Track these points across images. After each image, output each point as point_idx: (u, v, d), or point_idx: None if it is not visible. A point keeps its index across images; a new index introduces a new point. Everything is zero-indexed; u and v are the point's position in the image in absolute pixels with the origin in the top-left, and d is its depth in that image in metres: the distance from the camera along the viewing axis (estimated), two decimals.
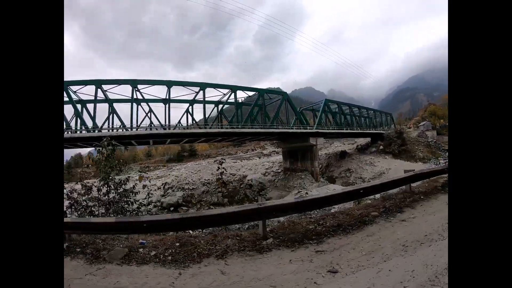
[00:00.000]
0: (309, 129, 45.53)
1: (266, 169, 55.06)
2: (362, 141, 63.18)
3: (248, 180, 48.24)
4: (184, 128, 40.07)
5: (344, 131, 51.73)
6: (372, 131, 58.29)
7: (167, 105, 38.20)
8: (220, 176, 31.28)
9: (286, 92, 46.62)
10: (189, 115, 41.44)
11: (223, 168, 25.82)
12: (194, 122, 42.24)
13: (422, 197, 9.63)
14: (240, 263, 5.54)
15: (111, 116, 34.77)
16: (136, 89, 34.84)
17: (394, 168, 44.95)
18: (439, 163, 49.45)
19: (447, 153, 53.99)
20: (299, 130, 44.22)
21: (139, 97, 35.64)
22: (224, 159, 35.55)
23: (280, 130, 43.11)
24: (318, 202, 7.72)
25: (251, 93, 44.45)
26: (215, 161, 54.88)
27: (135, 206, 12.92)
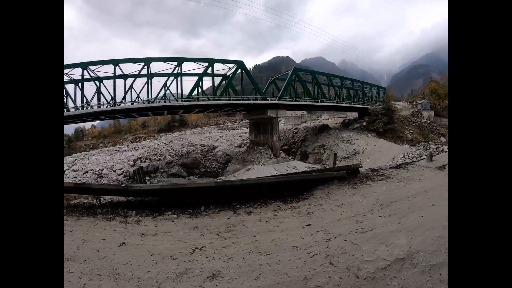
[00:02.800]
0: (270, 100, 40.39)
1: (243, 140, 52.58)
2: (352, 116, 55.84)
3: (216, 151, 47.02)
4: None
5: (311, 103, 44.80)
6: (352, 105, 50.87)
7: (150, 80, 37.68)
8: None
9: (241, 61, 40.67)
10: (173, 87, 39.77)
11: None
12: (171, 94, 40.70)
13: None
14: None
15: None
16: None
17: (372, 148, 39.71)
18: (429, 147, 44.21)
19: (441, 137, 48.20)
20: (251, 102, 39.17)
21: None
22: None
23: (230, 102, 38.94)
24: None
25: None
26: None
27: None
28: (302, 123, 62.20)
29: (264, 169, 33.12)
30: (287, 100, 41.26)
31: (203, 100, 38.33)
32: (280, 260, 3.70)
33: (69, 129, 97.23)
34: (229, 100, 38.99)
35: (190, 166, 42.40)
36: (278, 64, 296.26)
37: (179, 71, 38.01)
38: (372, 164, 32.30)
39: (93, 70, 35.70)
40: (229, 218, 5.59)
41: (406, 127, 49.24)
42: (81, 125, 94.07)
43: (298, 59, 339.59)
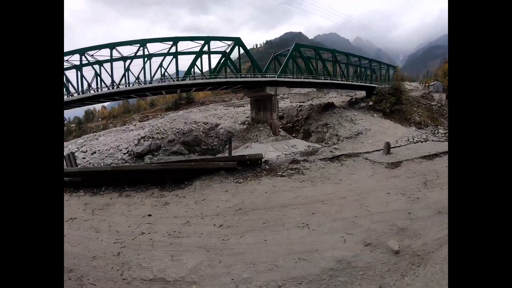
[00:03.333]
0: (270, 77, 38.85)
1: (247, 117, 52.21)
2: (360, 94, 53.87)
3: (219, 129, 47.12)
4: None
5: (312, 80, 42.87)
6: (357, 83, 48.51)
7: (149, 61, 38.13)
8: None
9: (239, 37, 38.93)
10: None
11: None
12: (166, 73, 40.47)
13: None
14: None
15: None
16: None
17: (376, 129, 38.14)
18: (438, 132, 42.36)
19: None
20: (248, 79, 37.91)
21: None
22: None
23: (227, 79, 38.15)
24: None
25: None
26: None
27: None
28: (308, 100, 60.51)
29: (262, 147, 32.86)
30: (286, 77, 39.66)
31: (200, 79, 37.94)
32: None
33: (79, 111, 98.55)
34: (226, 77, 38.06)
35: (191, 144, 42.68)
36: (290, 40, 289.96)
37: (175, 51, 37.46)
38: (374, 146, 31.12)
39: (92, 55, 36.25)
40: (111, 198, 5.69)
41: (415, 109, 46.91)
42: (91, 106, 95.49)
43: (310, 35, 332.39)
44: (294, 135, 44.36)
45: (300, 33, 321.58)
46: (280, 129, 39.00)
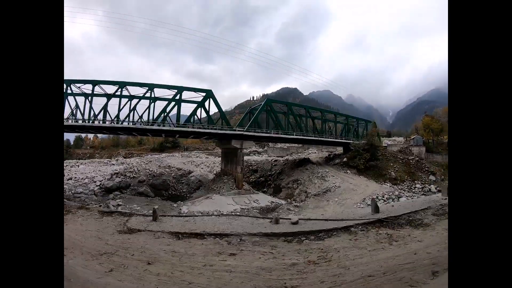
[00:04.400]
0: (238, 130, 38.35)
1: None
2: (339, 150, 53.17)
3: (190, 176, 47.65)
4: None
5: (278, 135, 41.88)
6: (330, 139, 47.74)
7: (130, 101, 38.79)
8: None
9: (210, 90, 38.98)
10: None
11: None
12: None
13: None
14: None
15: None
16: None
17: (346, 186, 36.54)
18: (414, 187, 40.93)
19: (430, 175, 44.87)
20: (213, 131, 37.08)
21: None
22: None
23: (194, 130, 37.83)
24: None
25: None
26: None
27: None
28: (287, 155, 59.66)
29: (222, 199, 32.08)
30: (253, 131, 38.88)
31: (169, 126, 37.75)
32: None
33: (71, 136, 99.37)
34: (193, 128, 37.69)
35: (159, 188, 42.15)
36: (285, 94, 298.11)
37: (150, 96, 38.06)
38: (339, 205, 29.62)
39: (79, 87, 37.58)
40: None
41: (392, 164, 45.81)
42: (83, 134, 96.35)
43: (306, 91, 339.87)
44: (265, 189, 42.94)
45: (295, 89, 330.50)
46: (244, 183, 37.62)
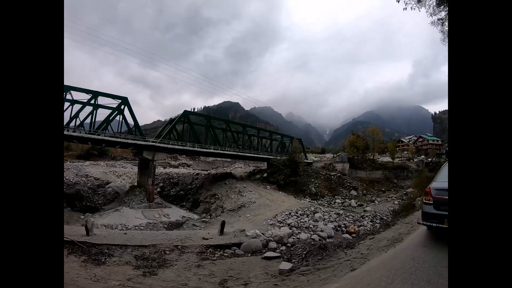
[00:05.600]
0: (152, 142, 36.96)
1: (155, 178, 47.04)
2: (264, 165, 53.11)
3: (107, 187, 44.27)
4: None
5: (193, 149, 41.36)
6: (247, 154, 47.92)
7: None
8: None
9: (126, 97, 36.93)
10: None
11: None
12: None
13: None
14: None
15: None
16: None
17: (262, 202, 36.04)
18: (335, 202, 41.63)
19: (352, 190, 46.29)
20: (123, 140, 35.30)
21: None
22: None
23: (104, 138, 35.63)
24: None
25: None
26: None
27: None
28: (212, 169, 58.59)
29: (131, 213, 30.54)
30: (169, 144, 37.65)
31: (79, 133, 35.07)
32: None
33: None
34: (105, 136, 35.59)
35: (72, 198, 38.36)
36: (227, 108, 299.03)
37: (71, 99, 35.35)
38: (249, 222, 28.85)
39: None
40: None
41: (313, 180, 46.82)
42: None
43: (247, 107, 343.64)
44: (184, 203, 41.41)
45: (237, 103, 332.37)
46: (156, 196, 36.40)
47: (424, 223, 6.64)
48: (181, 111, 40.11)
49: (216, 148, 42.53)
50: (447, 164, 8.28)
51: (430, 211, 6.41)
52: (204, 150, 41.82)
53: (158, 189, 45.88)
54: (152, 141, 36.16)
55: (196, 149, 40.61)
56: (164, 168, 64.71)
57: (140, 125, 38.47)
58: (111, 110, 35.21)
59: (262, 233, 19.98)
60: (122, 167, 62.60)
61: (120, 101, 35.90)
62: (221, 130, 44.76)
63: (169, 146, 37.61)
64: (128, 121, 37.18)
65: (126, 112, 36.16)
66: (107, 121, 35.25)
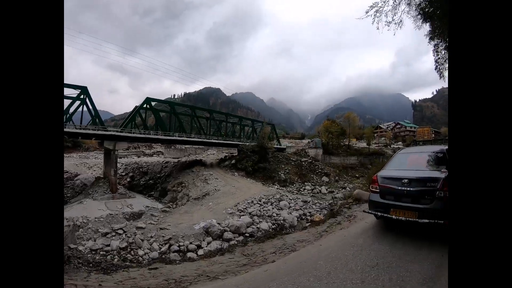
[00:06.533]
0: (112, 131, 36.55)
1: (125, 168, 49.21)
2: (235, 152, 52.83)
3: (75, 179, 42.76)
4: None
5: (161, 137, 41.16)
6: (213, 140, 47.52)
7: None
8: None
9: (85, 87, 35.43)
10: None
11: None
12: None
13: None
14: None
15: None
16: None
17: (227, 190, 35.87)
18: (304, 188, 41.57)
19: (323, 176, 46.21)
20: (81, 131, 34.67)
21: None
22: None
23: (66, 130, 34.07)
24: None
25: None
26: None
27: None
28: (184, 156, 58.20)
29: (94, 204, 30.32)
30: (131, 132, 37.30)
31: None
32: None
33: None
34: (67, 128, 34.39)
35: None
36: (207, 94, 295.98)
37: None
38: (209, 210, 28.68)
39: None
40: None
41: (283, 166, 46.48)
42: None
43: (228, 92, 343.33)
44: (152, 192, 41.13)
45: (218, 89, 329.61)
46: (120, 186, 36.23)
47: (370, 211, 6.64)
48: (163, 98, 39.09)
49: (181, 135, 42.12)
50: (399, 153, 8.16)
51: (376, 199, 6.46)
52: (168, 137, 41.43)
53: (128, 179, 45.92)
54: (113, 131, 35.62)
55: (159, 137, 40.22)
56: (138, 157, 64.22)
57: (120, 113, 37.91)
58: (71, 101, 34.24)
59: (218, 223, 20.03)
60: (95, 158, 61.29)
61: (79, 90, 34.87)
62: (186, 115, 44.52)
63: (130, 135, 37.20)
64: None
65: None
66: (67, 112, 34.36)
